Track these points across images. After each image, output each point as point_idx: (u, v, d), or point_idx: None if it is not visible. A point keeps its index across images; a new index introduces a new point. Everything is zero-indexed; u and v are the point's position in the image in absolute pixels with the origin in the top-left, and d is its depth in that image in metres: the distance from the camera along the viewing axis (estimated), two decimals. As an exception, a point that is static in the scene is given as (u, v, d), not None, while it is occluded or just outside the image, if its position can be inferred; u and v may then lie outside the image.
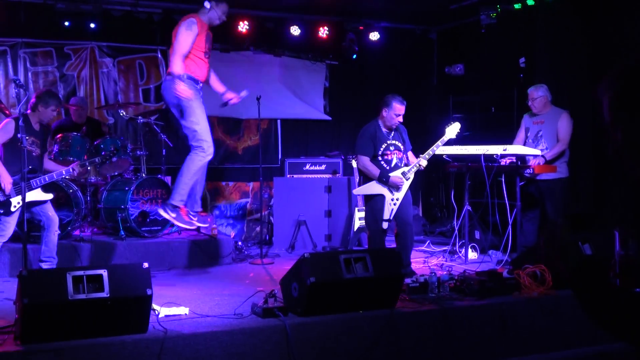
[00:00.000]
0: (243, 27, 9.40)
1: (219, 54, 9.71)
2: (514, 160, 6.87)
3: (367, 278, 4.71)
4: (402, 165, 6.32)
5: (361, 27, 10.05)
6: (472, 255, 7.28)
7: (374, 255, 4.85)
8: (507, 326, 5.07)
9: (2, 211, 5.55)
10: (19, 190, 5.47)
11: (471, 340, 4.98)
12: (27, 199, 5.29)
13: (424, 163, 6.30)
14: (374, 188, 6.25)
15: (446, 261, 7.18)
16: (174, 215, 5.60)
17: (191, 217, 5.84)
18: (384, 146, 6.26)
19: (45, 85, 8.87)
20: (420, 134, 8.81)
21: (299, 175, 8.67)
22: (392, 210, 6.19)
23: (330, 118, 10.35)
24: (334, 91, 10.49)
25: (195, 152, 5.88)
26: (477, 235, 7.69)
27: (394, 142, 6.31)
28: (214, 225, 7.55)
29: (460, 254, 7.30)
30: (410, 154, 6.47)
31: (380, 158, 6.26)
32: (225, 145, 9.61)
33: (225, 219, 8.68)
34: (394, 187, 6.17)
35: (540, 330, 5.16)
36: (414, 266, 6.75)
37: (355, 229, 7.90)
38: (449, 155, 7.27)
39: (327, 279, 4.60)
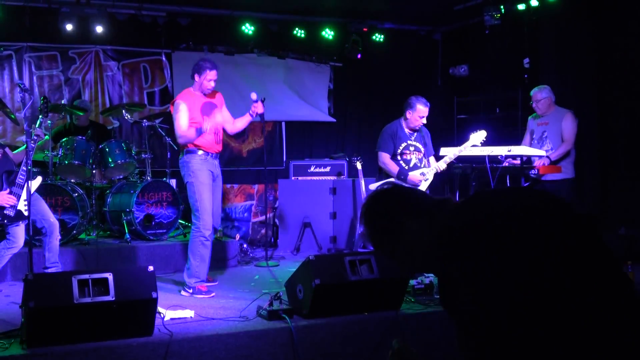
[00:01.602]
0: (247, 29, 9.42)
1: (223, 56, 9.74)
2: (517, 163, 6.85)
3: (372, 280, 4.71)
4: (422, 166, 6.40)
5: (365, 29, 10.06)
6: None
7: (379, 257, 4.84)
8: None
9: (20, 222, 5.51)
10: (17, 195, 5.44)
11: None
12: (25, 195, 5.30)
13: (442, 166, 6.36)
14: None
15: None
16: (190, 291, 5.62)
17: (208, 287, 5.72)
18: (403, 145, 6.38)
19: (50, 89, 8.91)
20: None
21: (304, 177, 8.67)
22: None
23: (334, 120, 10.35)
24: (339, 93, 10.50)
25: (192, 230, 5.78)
26: (483, 236, 7.67)
27: (414, 143, 6.40)
28: (219, 228, 7.55)
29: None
30: (432, 159, 6.55)
31: (399, 157, 6.37)
32: (229, 147, 9.62)
33: (230, 221, 8.68)
34: (412, 184, 6.23)
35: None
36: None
37: (360, 230, 7.89)
38: (453, 157, 7.26)
39: (332, 280, 4.60)
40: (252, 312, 4.74)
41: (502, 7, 8.61)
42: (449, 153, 6.37)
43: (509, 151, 6.66)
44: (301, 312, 4.65)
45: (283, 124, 10.17)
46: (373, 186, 6.71)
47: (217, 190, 5.99)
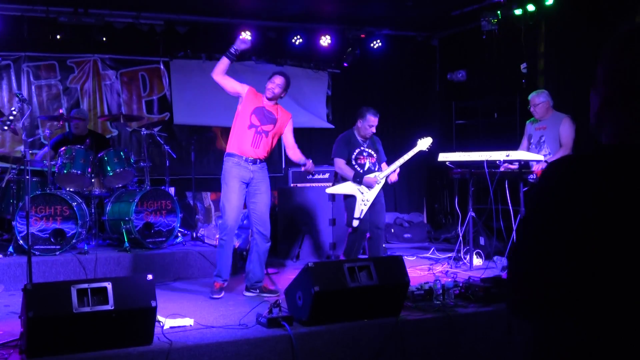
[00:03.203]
0: (245, 37, 9.42)
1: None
2: (515, 168, 6.87)
3: (371, 286, 4.71)
4: (376, 170, 6.75)
5: (363, 35, 10.09)
6: (477, 261, 7.26)
7: (378, 264, 4.85)
8: (513, 332, 5.05)
9: None
10: None
11: (477, 347, 4.97)
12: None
13: (386, 173, 6.68)
14: (345, 188, 6.73)
15: (451, 268, 7.16)
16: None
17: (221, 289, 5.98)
18: (357, 151, 6.75)
19: (48, 99, 8.92)
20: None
21: (303, 184, 8.67)
22: (362, 210, 6.61)
23: (333, 126, 10.36)
24: (337, 99, 10.52)
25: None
26: (482, 241, 7.68)
27: (367, 149, 6.79)
28: (218, 235, 7.55)
29: (465, 261, 7.29)
30: (384, 165, 6.88)
31: (354, 162, 6.73)
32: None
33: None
34: (368, 186, 6.60)
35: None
36: (419, 273, 6.82)
37: (360, 237, 7.88)
38: (452, 162, 7.27)
39: (332, 287, 4.60)
40: (252, 320, 4.73)
41: (499, 12, 8.63)
42: (398, 159, 6.68)
43: (507, 156, 6.68)
44: (301, 319, 4.65)
45: (282, 130, 10.17)
46: (329, 190, 7.04)
47: (255, 195, 6.04)
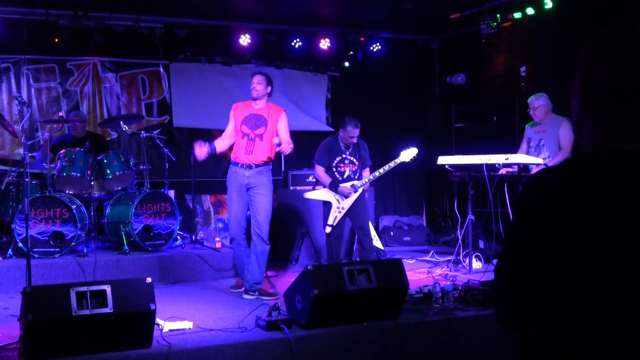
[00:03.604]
0: (244, 40, 9.45)
1: (221, 67, 9.79)
2: (515, 171, 6.89)
3: (370, 289, 4.71)
4: (355, 178, 6.80)
5: (362, 38, 10.11)
6: (477, 264, 7.26)
7: (377, 267, 4.85)
8: (512, 335, 5.04)
9: None
10: None
11: (476, 350, 4.97)
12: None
13: (363, 183, 6.77)
14: (322, 194, 6.84)
15: (450, 271, 7.17)
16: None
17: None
18: (338, 159, 6.81)
19: (48, 101, 8.92)
20: (422, 144, 8.83)
21: (302, 187, 8.67)
22: (336, 217, 6.71)
23: (332, 129, 10.36)
24: (336, 102, 10.53)
25: None
26: (481, 244, 7.68)
27: (349, 156, 6.84)
28: (218, 238, 7.55)
29: (465, 264, 7.29)
30: (366, 170, 6.97)
31: (334, 169, 6.79)
32: (228, 158, 9.61)
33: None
34: (343, 195, 6.67)
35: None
36: (418, 276, 6.84)
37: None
38: (451, 165, 7.28)
39: (331, 291, 4.60)
40: (251, 323, 4.73)
41: (498, 15, 8.65)
42: (379, 169, 6.78)
43: (507, 159, 6.68)
44: (300, 322, 4.65)
45: (281, 133, 10.18)
46: (307, 195, 7.10)
47: (254, 198, 6.14)
